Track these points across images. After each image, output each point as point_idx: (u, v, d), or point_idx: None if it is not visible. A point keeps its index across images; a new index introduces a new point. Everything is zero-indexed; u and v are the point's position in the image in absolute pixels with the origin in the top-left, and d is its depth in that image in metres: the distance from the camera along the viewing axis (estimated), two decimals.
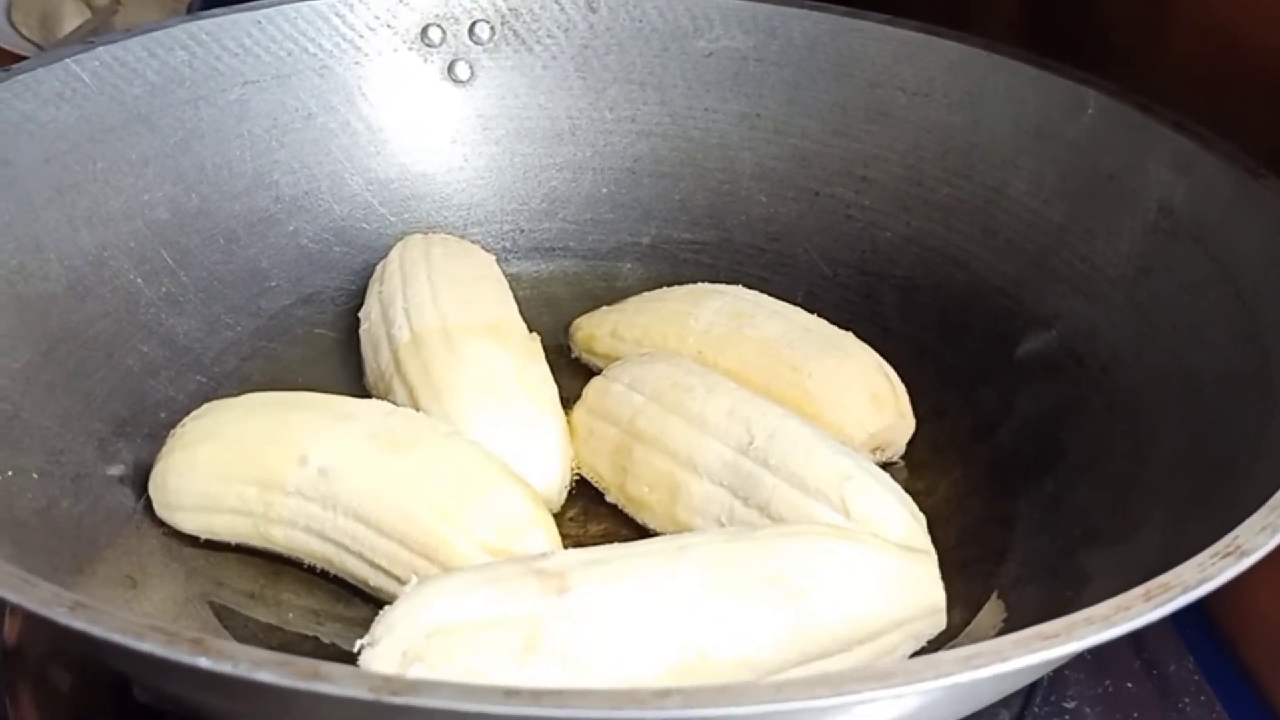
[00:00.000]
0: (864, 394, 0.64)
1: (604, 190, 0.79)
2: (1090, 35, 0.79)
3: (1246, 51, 0.66)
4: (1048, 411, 0.64)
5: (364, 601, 0.56)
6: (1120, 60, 0.73)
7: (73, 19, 1.22)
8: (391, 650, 0.45)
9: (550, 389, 0.64)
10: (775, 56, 0.78)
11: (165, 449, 0.58)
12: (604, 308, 0.73)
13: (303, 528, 0.55)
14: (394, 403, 0.62)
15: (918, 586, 0.51)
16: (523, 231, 0.79)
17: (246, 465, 0.56)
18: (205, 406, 0.60)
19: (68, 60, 0.66)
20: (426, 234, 0.74)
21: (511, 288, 0.73)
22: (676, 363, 0.64)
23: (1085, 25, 0.80)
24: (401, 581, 0.51)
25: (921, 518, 0.56)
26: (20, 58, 0.95)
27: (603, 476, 0.63)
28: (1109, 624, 0.36)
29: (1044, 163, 0.69)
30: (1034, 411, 0.64)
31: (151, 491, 0.58)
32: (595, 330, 0.71)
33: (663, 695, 0.33)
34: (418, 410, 0.61)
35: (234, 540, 0.57)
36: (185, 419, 0.59)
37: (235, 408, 0.59)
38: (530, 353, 0.66)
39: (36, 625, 0.57)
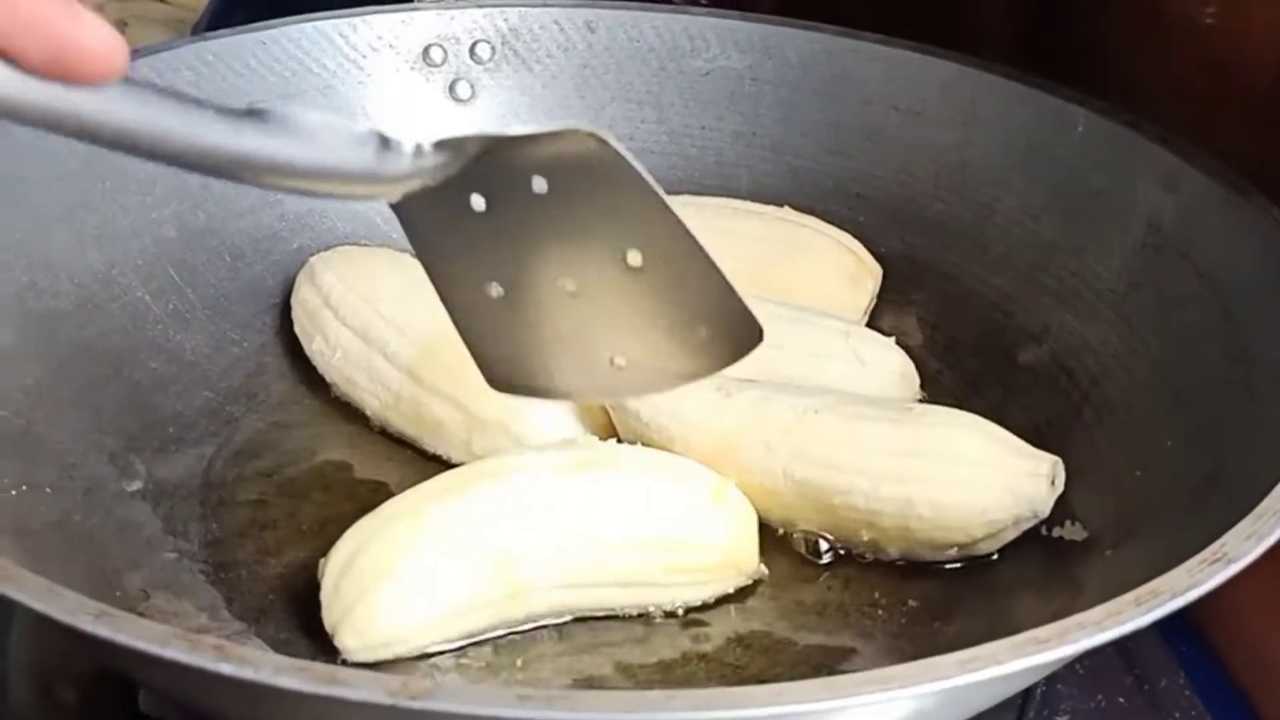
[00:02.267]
0: (844, 280, 0.72)
1: None
2: (1083, 57, 0.80)
3: (1235, 73, 0.67)
4: (1040, 424, 0.65)
5: None
6: (1113, 82, 0.75)
7: None
8: None
9: None
10: (771, 76, 0.79)
11: (339, 593, 0.54)
12: None
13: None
14: (428, 417, 0.64)
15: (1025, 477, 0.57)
16: None
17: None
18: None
19: None
20: (319, 255, 0.72)
21: None
22: None
23: (1079, 48, 0.81)
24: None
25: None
26: None
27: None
28: (1101, 628, 0.38)
29: (1034, 179, 0.71)
30: (1026, 424, 0.65)
31: (346, 641, 0.53)
32: None
33: (670, 698, 0.34)
34: (468, 413, 0.63)
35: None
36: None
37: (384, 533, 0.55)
38: None
39: (43, 641, 0.58)
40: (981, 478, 0.57)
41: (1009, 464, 0.58)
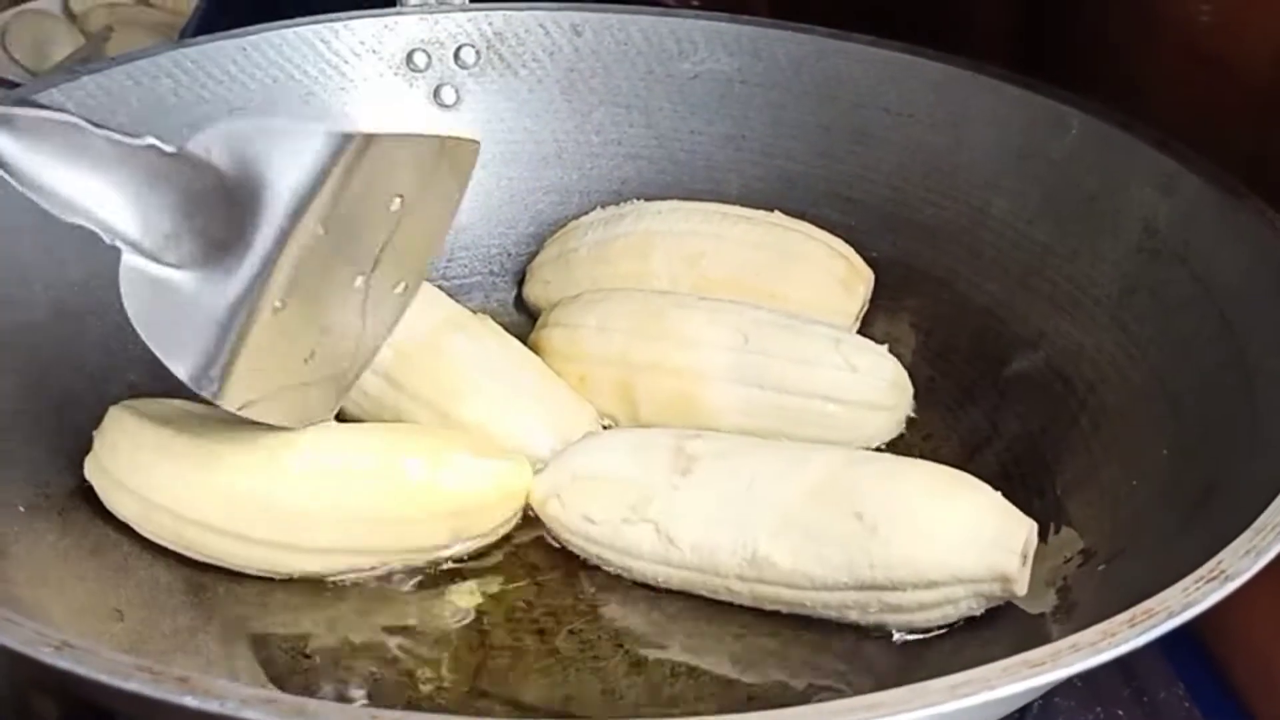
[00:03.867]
0: (834, 286, 0.71)
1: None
2: (1080, 58, 0.79)
3: (1232, 71, 0.66)
4: (1035, 432, 0.64)
5: (353, 631, 0.55)
6: (1109, 81, 0.74)
7: (65, 45, 1.22)
8: (544, 483, 0.59)
9: (532, 355, 0.68)
10: (760, 78, 0.78)
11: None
12: (562, 303, 0.71)
13: None
14: (408, 419, 0.64)
15: (992, 550, 0.53)
16: (510, 255, 0.80)
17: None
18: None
19: (53, 89, 0.67)
20: None
21: (497, 311, 0.75)
22: (629, 295, 0.69)
23: (1075, 48, 0.80)
24: None
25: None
26: (13, 84, 0.95)
27: (610, 411, 0.66)
28: (1095, 650, 0.37)
29: (1028, 183, 0.70)
30: (1021, 432, 0.64)
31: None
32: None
33: None
34: (447, 417, 0.63)
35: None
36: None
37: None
38: (494, 331, 0.68)
39: (18, 661, 0.57)
40: (947, 596, 0.53)
41: (972, 569, 0.53)
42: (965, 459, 0.65)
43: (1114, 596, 0.41)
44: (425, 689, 0.53)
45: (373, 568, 0.57)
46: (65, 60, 1.19)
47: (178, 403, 0.59)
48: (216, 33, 0.74)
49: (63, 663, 0.35)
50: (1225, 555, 0.40)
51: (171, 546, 0.57)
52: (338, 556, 0.57)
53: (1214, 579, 0.39)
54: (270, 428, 0.58)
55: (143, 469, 0.56)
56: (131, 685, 0.34)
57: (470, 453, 0.59)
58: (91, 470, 0.57)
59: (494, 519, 0.59)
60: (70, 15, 1.31)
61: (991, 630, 0.55)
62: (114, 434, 0.57)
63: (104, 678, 0.34)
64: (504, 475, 0.59)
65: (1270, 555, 0.41)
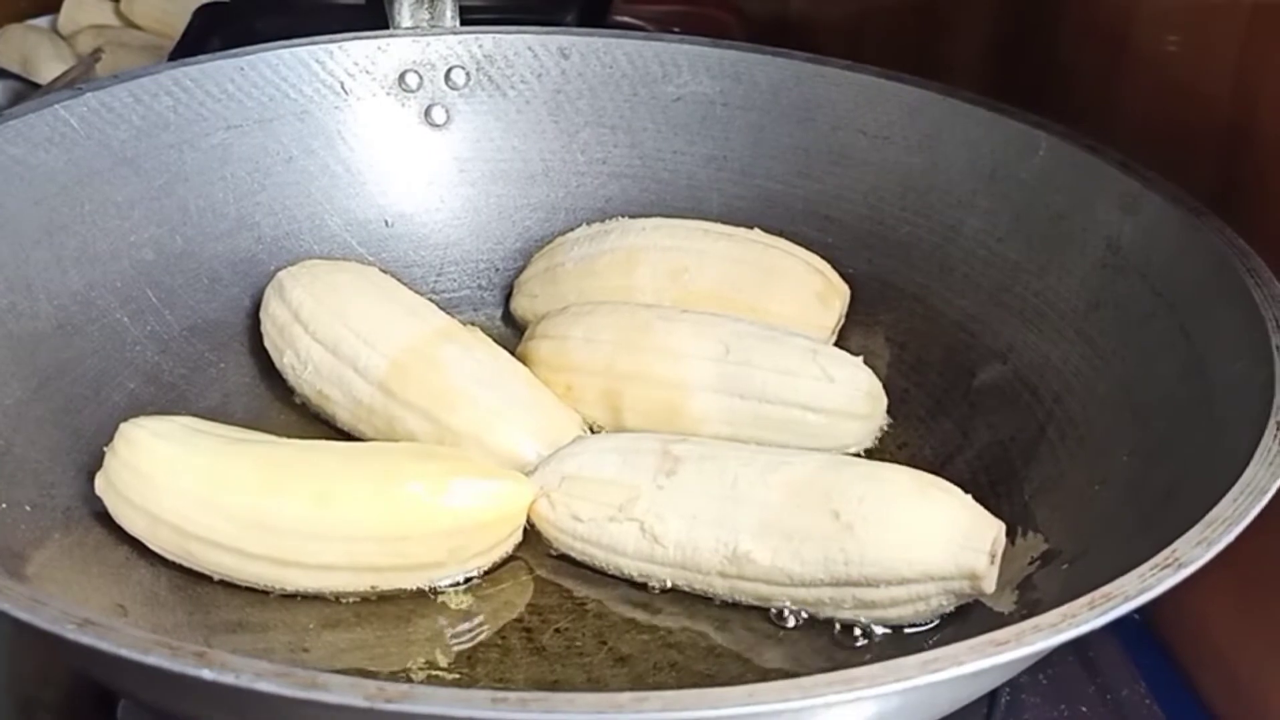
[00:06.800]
0: (812, 300, 0.73)
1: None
2: (1051, 87, 0.82)
3: (1197, 99, 0.69)
4: (1004, 440, 0.66)
5: (348, 628, 0.57)
6: (1079, 110, 0.76)
7: (51, 61, 1.24)
8: (534, 483, 0.61)
9: (521, 365, 0.70)
10: (741, 101, 0.81)
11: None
12: (549, 315, 0.73)
13: None
14: (401, 430, 0.66)
15: (961, 549, 0.55)
16: (498, 270, 0.82)
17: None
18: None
19: (57, 106, 0.68)
20: (287, 270, 0.73)
21: (485, 325, 0.77)
22: (615, 308, 0.71)
23: (1047, 78, 0.83)
24: None
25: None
26: None
27: (596, 420, 0.69)
28: (1056, 630, 0.39)
29: (998, 202, 0.72)
30: (991, 441, 0.66)
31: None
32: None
33: (640, 700, 0.35)
34: (440, 425, 0.65)
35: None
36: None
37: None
38: (484, 342, 0.70)
39: (20, 664, 0.59)
40: (918, 593, 0.56)
41: (943, 567, 0.55)
42: (938, 467, 0.67)
43: (1076, 595, 0.43)
44: (417, 678, 0.54)
45: (372, 586, 0.58)
46: (58, 80, 1.20)
47: (185, 420, 0.61)
48: (207, 53, 0.76)
49: (85, 639, 0.37)
50: (1179, 545, 0.43)
51: (176, 560, 0.58)
52: (337, 574, 0.58)
53: (1168, 566, 0.42)
54: (275, 447, 0.60)
55: (150, 486, 0.57)
56: (151, 659, 0.36)
57: (471, 474, 0.60)
58: (101, 486, 0.58)
59: (493, 538, 0.60)
60: (59, 36, 1.33)
61: (961, 627, 0.56)
62: (124, 451, 0.58)
63: (125, 652, 0.36)
64: (504, 496, 0.60)
65: (1221, 545, 0.43)
